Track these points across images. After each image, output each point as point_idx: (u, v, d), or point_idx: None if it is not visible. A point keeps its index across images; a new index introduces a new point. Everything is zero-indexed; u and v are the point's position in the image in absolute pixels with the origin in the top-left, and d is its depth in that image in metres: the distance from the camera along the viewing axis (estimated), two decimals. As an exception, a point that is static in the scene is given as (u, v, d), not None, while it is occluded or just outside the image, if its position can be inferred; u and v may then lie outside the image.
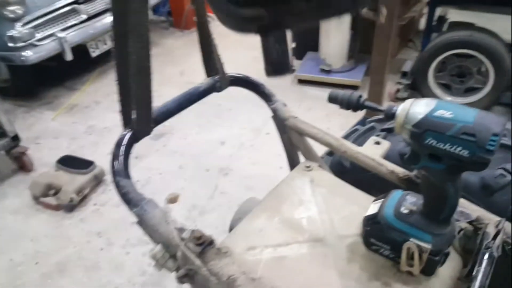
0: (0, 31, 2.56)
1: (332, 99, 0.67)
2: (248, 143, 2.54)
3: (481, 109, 2.10)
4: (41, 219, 1.98)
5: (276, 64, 0.31)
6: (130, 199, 0.66)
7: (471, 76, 2.61)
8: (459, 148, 0.55)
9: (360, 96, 0.65)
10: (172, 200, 0.71)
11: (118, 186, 0.67)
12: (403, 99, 2.80)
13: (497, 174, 0.94)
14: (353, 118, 2.35)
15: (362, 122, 1.33)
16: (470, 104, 2.65)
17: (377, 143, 0.86)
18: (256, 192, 2.11)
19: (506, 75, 2.50)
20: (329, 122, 2.60)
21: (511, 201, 0.94)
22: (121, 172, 0.68)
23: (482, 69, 2.57)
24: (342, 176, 1.09)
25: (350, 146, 0.84)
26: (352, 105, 0.65)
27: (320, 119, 2.63)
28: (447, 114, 0.56)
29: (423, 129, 0.56)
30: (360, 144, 1.13)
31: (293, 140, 0.93)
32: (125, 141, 0.70)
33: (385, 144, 0.85)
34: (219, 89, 0.92)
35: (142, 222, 0.65)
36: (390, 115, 0.61)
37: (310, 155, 0.93)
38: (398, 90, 2.78)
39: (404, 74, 2.81)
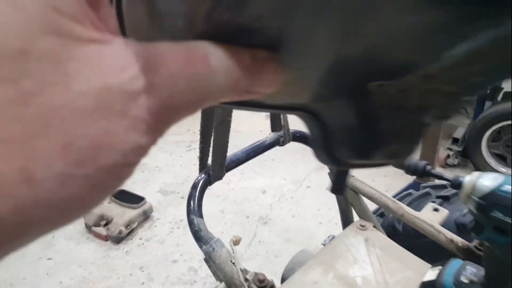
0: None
1: (398, 164, 0.71)
2: (289, 194, 2.57)
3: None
4: (91, 247, 2.08)
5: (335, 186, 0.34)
6: (201, 236, 0.72)
7: (524, 148, 2.53)
8: (526, 224, 0.57)
9: (427, 164, 0.69)
10: (236, 242, 0.76)
11: (191, 224, 0.74)
12: (453, 166, 2.74)
13: (465, 212, 0.94)
14: (397, 181, 2.33)
15: (415, 186, 1.34)
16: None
17: (436, 209, 0.88)
18: (295, 245, 2.11)
19: None
20: (373, 182, 2.59)
21: None
22: (195, 211, 0.75)
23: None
24: (393, 239, 1.09)
25: (407, 210, 0.86)
26: (418, 172, 0.69)
27: (363, 178, 2.63)
28: (514, 190, 0.58)
29: (490, 202, 0.59)
30: (414, 208, 1.13)
31: (348, 198, 0.97)
32: (200, 184, 0.78)
33: (444, 212, 0.87)
34: (282, 144, 1.00)
35: (209, 260, 0.70)
36: (457, 185, 0.64)
37: (365, 214, 0.95)
38: (448, 156, 2.73)
39: (455, 141, 2.77)
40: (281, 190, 2.59)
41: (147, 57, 0.14)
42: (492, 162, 2.60)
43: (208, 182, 0.80)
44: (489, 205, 0.59)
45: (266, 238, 2.18)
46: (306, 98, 0.25)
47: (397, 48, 0.20)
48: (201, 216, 0.76)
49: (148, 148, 0.15)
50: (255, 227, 2.26)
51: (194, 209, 0.76)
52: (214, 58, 0.16)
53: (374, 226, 0.94)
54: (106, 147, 0.13)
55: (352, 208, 1.00)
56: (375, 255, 0.85)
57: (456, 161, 2.71)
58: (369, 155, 0.28)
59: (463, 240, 0.80)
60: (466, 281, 0.68)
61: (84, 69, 0.12)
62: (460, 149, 2.72)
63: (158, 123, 0.15)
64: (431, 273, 0.75)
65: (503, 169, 2.59)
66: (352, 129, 0.26)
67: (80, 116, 0.12)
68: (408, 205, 1.16)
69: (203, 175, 0.80)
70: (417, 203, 1.14)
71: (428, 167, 0.68)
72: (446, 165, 2.72)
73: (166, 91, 0.14)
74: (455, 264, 0.73)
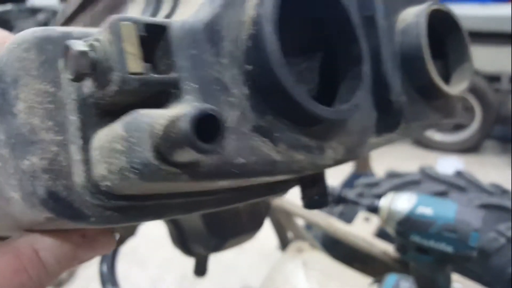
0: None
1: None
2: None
3: (473, 144, 2.12)
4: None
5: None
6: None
7: (457, 113, 2.65)
8: (442, 244, 0.55)
9: (341, 191, 0.66)
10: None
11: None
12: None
13: (491, 237, 0.92)
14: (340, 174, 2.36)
15: (350, 183, 1.33)
16: (462, 141, 2.66)
17: (366, 219, 0.86)
18: (247, 254, 2.06)
19: (492, 108, 2.53)
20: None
21: (509, 264, 0.92)
22: (109, 279, 0.67)
23: (468, 105, 2.60)
24: (337, 245, 1.07)
25: (339, 226, 0.83)
26: (334, 199, 0.65)
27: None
28: (428, 211, 0.56)
29: (407, 227, 0.57)
30: (350, 212, 1.12)
31: (281, 220, 0.93)
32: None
33: (375, 220, 0.85)
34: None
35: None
36: (373, 209, 0.61)
37: (299, 234, 0.92)
38: (387, 133, 2.80)
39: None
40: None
41: None
42: (427, 131, 2.71)
43: (121, 241, 0.71)
44: (407, 230, 0.57)
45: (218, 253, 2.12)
46: None
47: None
48: (115, 283, 0.68)
49: None
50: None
51: (107, 278, 0.68)
52: (43, 251, 0.17)
53: (311, 245, 0.91)
54: None
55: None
56: (315, 279, 0.82)
57: (395, 136, 2.79)
58: (218, 248, 0.32)
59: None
60: (400, 298, 0.67)
61: None
62: (397, 124, 2.79)
63: None
64: (368, 292, 0.73)
65: (438, 136, 2.71)
66: (199, 229, 0.30)
67: None
68: (344, 208, 1.15)
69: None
70: (351, 207, 1.12)
71: (343, 193, 0.65)
72: (386, 142, 2.79)
73: None
74: (389, 281, 0.71)
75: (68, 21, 0.27)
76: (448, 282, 0.61)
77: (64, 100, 0.15)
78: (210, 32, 0.16)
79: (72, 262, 0.18)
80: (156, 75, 0.14)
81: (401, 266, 0.77)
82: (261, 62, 0.16)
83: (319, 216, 0.86)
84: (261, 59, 0.16)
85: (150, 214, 0.17)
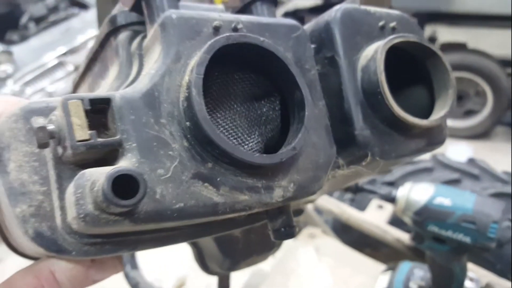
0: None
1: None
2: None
3: (483, 131, 2.07)
4: None
5: None
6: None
7: (468, 98, 2.59)
8: (461, 235, 0.55)
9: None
10: (180, 286, 0.71)
11: (127, 277, 0.67)
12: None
13: (504, 226, 0.92)
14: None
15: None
16: (472, 127, 2.62)
17: (380, 206, 0.86)
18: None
19: (505, 94, 2.47)
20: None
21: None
22: (129, 261, 0.68)
23: (479, 90, 2.55)
24: (347, 230, 1.08)
25: (352, 213, 0.84)
26: (351, 188, 0.65)
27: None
28: (446, 201, 0.56)
29: (424, 217, 0.57)
30: (361, 198, 1.12)
31: (293, 205, 0.93)
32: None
33: (388, 208, 0.85)
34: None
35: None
36: (391, 200, 0.61)
37: (312, 220, 0.92)
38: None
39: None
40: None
41: None
42: (437, 117, 2.66)
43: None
44: (424, 220, 0.57)
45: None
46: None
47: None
48: (136, 267, 0.69)
49: None
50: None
51: (127, 260, 0.69)
52: (59, 273, 0.20)
53: (323, 231, 0.91)
54: None
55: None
56: (327, 265, 0.83)
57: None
58: (232, 268, 0.35)
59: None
60: (415, 286, 0.67)
61: None
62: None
63: None
64: (382, 279, 0.74)
65: (448, 121, 2.66)
66: (214, 251, 0.33)
67: None
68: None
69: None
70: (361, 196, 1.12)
71: (360, 183, 0.65)
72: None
73: None
74: (403, 268, 0.71)
75: (80, 79, 0.33)
76: (464, 271, 0.62)
77: (46, 158, 0.19)
78: (148, 99, 0.19)
79: (84, 282, 0.21)
80: (100, 140, 0.18)
81: (413, 253, 0.78)
82: (193, 119, 0.19)
83: (333, 203, 0.86)
84: (192, 116, 0.19)
85: (123, 248, 0.20)
